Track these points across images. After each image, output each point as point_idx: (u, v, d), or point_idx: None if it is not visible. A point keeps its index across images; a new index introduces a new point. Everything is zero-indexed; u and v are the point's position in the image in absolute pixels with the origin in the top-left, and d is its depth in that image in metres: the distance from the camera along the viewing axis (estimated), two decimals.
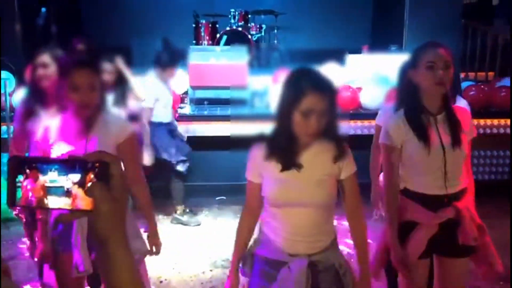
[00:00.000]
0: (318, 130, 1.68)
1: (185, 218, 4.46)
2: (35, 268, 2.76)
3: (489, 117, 5.03)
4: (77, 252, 2.03)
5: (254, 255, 1.87)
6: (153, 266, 3.60)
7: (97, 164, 0.76)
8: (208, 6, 7.38)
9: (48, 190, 0.77)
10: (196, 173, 4.19)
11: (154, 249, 2.34)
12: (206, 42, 7.08)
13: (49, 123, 2.10)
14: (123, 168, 0.79)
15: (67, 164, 0.77)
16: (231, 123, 4.64)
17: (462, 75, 6.05)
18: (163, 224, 4.57)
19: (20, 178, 0.77)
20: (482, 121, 5.01)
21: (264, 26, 7.24)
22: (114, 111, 2.97)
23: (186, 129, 4.78)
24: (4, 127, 4.58)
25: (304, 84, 1.66)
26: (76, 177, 0.76)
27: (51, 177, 0.77)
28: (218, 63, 5.17)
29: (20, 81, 4.51)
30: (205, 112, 5.09)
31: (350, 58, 5.33)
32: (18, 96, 4.08)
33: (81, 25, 7.68)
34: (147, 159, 3.99)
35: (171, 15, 7.65)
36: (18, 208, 1.96)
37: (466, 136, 2.10)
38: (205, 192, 4.95)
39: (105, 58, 3.35)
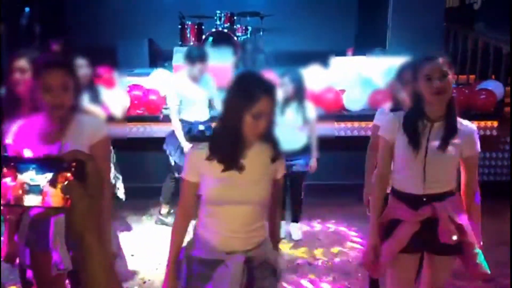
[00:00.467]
0: (263, 131, 1.78)
1: (169, 219, 4.47)
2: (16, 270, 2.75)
3: (469, 119, 5.12)
4: (56, 251, 2.03)
5: (189, 257, 1.90)
6: (137, 266, 3.61)
7: (74, 163, 0.79)
8: (194, 7, 7.40)
9: (25, 189, 0.79)
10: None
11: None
12: (192, 43, 7.09)
13: (22, 125, 2.09)
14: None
15: (44, 163, 0.79)
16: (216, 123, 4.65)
17: None
18: (147, 225, 4.58)
19: None
20: None
21: (249, 28, 7.29)
22: (91, 109, 2.96)
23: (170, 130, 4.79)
24: None
25: (257, 88, 1.75)
26: (50, 175, 0.78)
27: (29, 176, 0.79)
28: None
29: (2, 82, 4.47)
30: None
31: (334, 60, 5.39)
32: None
33: (65, 25, 7.63)
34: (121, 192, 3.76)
35: (156, 16, 7.65)
36: None
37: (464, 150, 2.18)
38: None
39: (81, 55, 3.33)
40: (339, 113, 5.06)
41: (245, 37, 7.21)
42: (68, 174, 0.78)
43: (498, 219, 4.61)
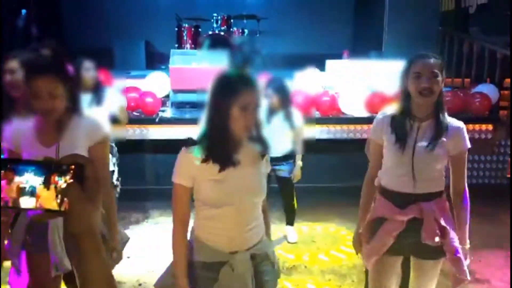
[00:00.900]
0: (252, 124, 1.80)
1: None
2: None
3: (464, 123, 5.15)
4: (55, 252, 2.03)
5: (190, 262, 1.88)
6: (132, 269, 3.61)
7: (72, 166, 0.79)
8: (190, 10, 7.40)
9: (22, 191, 0.79)
10: None
11: (113, 255, 2.25)
12: (188, 46, 7.10)
13: (19, 127, 2.09)
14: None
15: (42, 166, 0.80)
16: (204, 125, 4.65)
17: None
18: (143, 227, 4.57)
19: None
20: None
21: (246, 30, 7.30)
22: (93, 111, 2.96)
23: (167, 132, 4.80)
24: None
25: (240, 81, 1.79)
26: (48, 178, 0.79)
27: (27, 179, 0.79)
28: (199, 66, 5.20)
29: None
30: (186, 115, 5.11)
31: (330, 63, 5.41)
32: None
33: (62, 27, 7.62)
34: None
35: (153, 18, 7.65)
36: None
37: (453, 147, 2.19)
38: None
39: (85, 57, 3.35)
40: (334, 116, 5.08)
41: (241, 39, 7.22)
42: (67, 177, 0.79)
43: (494, 222, 4.64)
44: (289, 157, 3.99)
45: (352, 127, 5.00)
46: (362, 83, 5.06)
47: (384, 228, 2.20)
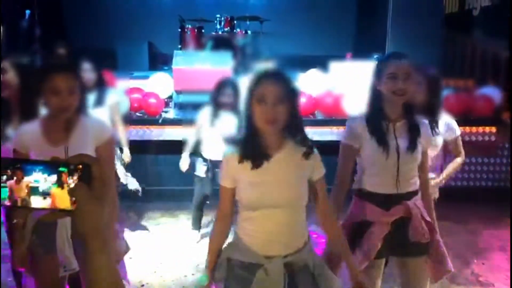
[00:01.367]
0: (274, 118, 1.74)
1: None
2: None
3: (467, 125, 5.15)
4: (62, 252, 2.04)
5: (229, 260, 1.89)
6: (135, 269, 3.60)
7: (80, 166, 0.80)
8: (194, 11, 7.42)
9: (31, 191, 0.80)
10: (179, 176, 4.20)
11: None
12: (191, 47, 7.11)
13: (27, 128, 2.11)
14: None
15: (51, 166, 0.80)
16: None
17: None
18: (144, 228, 4.57)
19: (4, 178, 0.79)
20: (461, 129, 5.11)
21: (249, 32, 7.31)
22: (96, 112, 2.97)
23: (169, 133, 4.80)
24: None
25: (260, 74, 1.79)
26: (60, 178, 0.80)
27: (35, 178, 0.80)
28: (202, 67, 5.20)
29: None
30: (189, 116, 5.10)
31: (334, 65, 5.41)
32: None
33: (65, 28, 7.64)
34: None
35: (156, 19, 7.67)
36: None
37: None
38: (187, 196, 4.96)
39: (86, 59, 3.36)
40: (338, 118, 5.07)
41: (244, 41, 7.23)
42: (74, 177, 0.80)
43: (495, 224, 4.63)
44: None
45: None
46: (366, 85, 5.05)
47: (372, 232, 2.17)
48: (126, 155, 3.95)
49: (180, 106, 5.25)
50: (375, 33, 6.79)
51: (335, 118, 5.00)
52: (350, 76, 5.21)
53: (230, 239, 1.99)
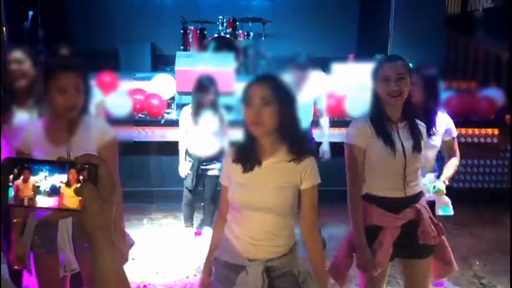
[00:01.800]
0: (259, 121, 1.73)
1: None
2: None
3: (469, 126, 5.15)
4: (63, 252, 2.05)
5: (217, 259, 1.91)
6: (138, 270, 3.61)
7: (86, 166, 0.80)
8: (196, 12, 7.43)
9: (38, 190, 0.80)
10: (181, 177, 4.21)
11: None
12: (194, 48, 7.12)
13: (29, 127, 2.11)
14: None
15: (57, 165, 0.80)
16: None
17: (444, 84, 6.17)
18: (148, 228, 4.58)
19: (11, 178, 0.80)
20: (463, 130, 5.11)
21: (251, 33, 7.31)
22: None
23: (172, 134, 4.80)
24: None
25: (252, 78, 1.80)
26: (64, 177, 0.80)
27: (42, 178, 0.80)
28: (205, 69, 5.20)
29: None
30: None
31: (336, 66, 5.41)
32: None
33: (68, 29, 7.66)
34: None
35: (159, 20, 7.68)
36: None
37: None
38: None
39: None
40: (340, 119, 5.08)
41: (247, 42, 7.24)
42: (81, 177, 0.80)
43: (497, 226, 4.62)
44: (220, 155, 3.90)
45: None
46: (368, 87, 5.05)
47: (384, 238, 2.16)
48: None
49: (182, 107, 5.26)
50: (378, 35, 6.79)
51: (337, 120, 5.00)
52: (353, 78, 5.21)
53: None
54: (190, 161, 4.05)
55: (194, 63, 5.26)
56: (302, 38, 7.58)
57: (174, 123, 4.98)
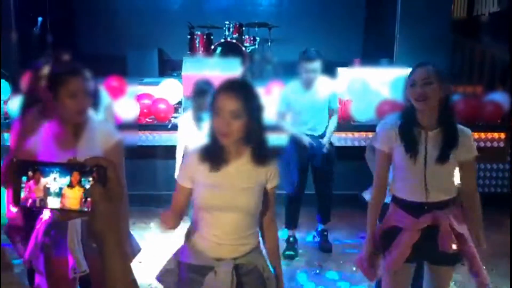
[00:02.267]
0: (227, 133, 1.77)
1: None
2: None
3: (476, 131, 5.13)
4: (73, 254, 2.07)
5: (179, 263, 1.93)
6: (144, 273, 3.63)
7: (95, 168, 0.83)
8: (203, 17, 7.47)
9: (48, 192, 0.83)
10: None
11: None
12: (201, 53, 7.17)
13: (38, 129, 2.15)
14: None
15: (67, 168, 0.83)
16: None
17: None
18: (155, 232, 4.60)
19: (24, 179, 0.83)
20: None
21: (258, 38, 7.34)
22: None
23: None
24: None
25: (221, 86, 1.82)
26: (72, 179, 0.83)
27: (53, 180, 0.83)
28: (211, 74, 5.24)
29: (15, 89, 4.55)
30: None
31: (341, 71, 5.43)
32: (13, 104, 4.12)
33: (77, 35, 7.74)
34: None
35: (166, 26, 7.73)
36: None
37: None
38: None
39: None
40: (346, 123, 5.09)
41: (253, 47, 7.27)
42: (90, 179, 0.83)
43: (501, 230, 4.59)
44: None
45: (363, 134, 5.00)
46: (374, 91, 5.07)
47: (402, 239, 2.19)
48: None
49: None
50: (383, 39, 6.80)
51: (343, 124, 5.01)
52: (358, 82, 5.23)
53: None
54: None
55: (200, 68, 5.30)
56: (308, 43, 7.56)
57: None
